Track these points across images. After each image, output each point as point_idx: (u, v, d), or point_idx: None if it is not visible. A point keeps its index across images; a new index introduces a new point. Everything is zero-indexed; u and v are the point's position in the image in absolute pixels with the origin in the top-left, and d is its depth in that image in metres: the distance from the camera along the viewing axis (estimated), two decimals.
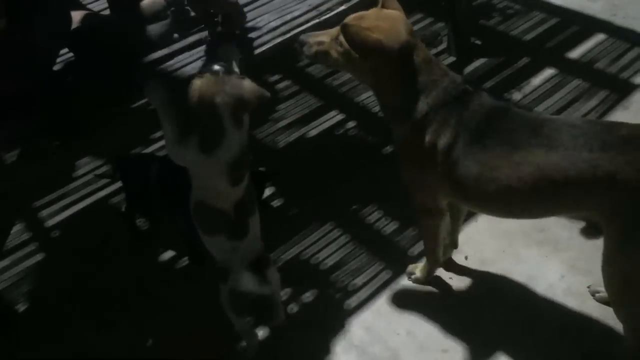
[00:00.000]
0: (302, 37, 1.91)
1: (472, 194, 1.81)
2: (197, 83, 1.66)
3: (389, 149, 2.83)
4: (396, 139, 1.92)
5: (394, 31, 1.75)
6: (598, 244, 1.80)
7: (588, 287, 2.19)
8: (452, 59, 3.34)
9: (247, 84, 1.71)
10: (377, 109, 2.95)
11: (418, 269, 2.27)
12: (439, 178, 1.83)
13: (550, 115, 1.80)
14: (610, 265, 1.72)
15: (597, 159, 1.57)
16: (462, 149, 1.74)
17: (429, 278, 2.27)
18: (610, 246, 1.69)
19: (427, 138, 1.77)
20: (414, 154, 1.85)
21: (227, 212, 1.78)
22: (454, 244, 2.32)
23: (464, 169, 1.75)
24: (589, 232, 2.36)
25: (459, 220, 2.25)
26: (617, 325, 1.92)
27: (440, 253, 2.20)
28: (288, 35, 2.32)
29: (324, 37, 1.86)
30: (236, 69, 1.89)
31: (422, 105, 1.77)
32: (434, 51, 3.40)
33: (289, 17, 2.43)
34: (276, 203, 2.68)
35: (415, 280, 2.28)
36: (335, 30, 1.83)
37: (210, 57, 1.88)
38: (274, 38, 2.34)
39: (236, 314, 1.95)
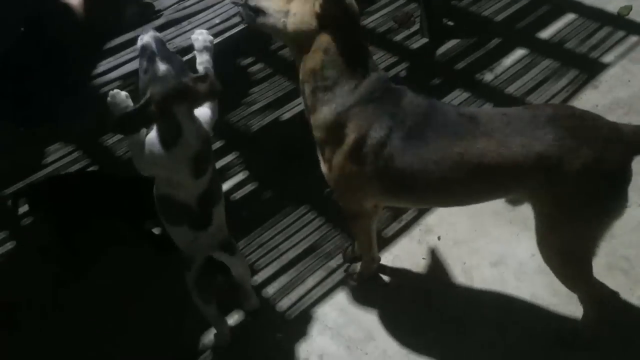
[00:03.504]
0: None
1: (410, 189, 1.77)
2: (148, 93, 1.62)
3: None
4: (318, 132, 1.81)
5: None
6: None
7: None
8: (424, 40, 3.34)
9: (199, 86, 1.66)
10: None
11: (357, 269, 2.27)
12: (368, 178, 1.77)
13: (475, 108, 1.80)
14: (545, 244, 1.78)
15: (529, 142, 1.60)
16: (399, 145, 1.69)
17: (370, 274, 2.27)
18: (542, 225, 1.74)
19: (352, 134, 1.71)
20: (339, 151, 1.77)
21: (190, 204, 1.78)
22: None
23: (403, 166, 1.70)
24: None
25: None
26: None
27: (376, 249, 2.20)
28: None
29: None
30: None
31: (351, 95, 1.70)
32: (406, 32, 3.40)
33: None
34: (250, 187, 2.68)
35: (358, 279, 2.27)
36: None
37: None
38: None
39: (203, 302, 1.94)
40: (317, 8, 1.66)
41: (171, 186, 1.77)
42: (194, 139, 1.69)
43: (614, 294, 1.91)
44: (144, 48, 1.65)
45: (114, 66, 2.19)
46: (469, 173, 1.67)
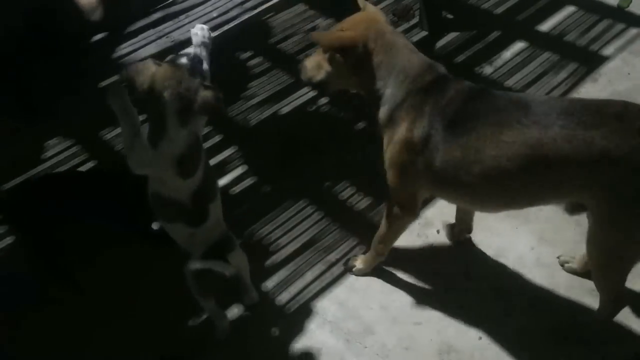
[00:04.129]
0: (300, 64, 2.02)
1: (454, 181, 1.77)
2: (153, 68, 1.62)
3: (360, 125, 2.84)
4: (379, 130, 1.91)
5: (364, 24, 1.84)
6: (566, 216, 1.84)
7: (557, 257, 2.23)
8: (424, 33, 3.33)
9: (205, 93, 1.64)
10: None
11: (359, 261, 2.27)
12: (419, 169, 1.81)
13: (532, 95, 1.80)
14: (596, 242, 1.74)
15: (592, 136, 1.56)
16: (441, 135, 1.72)
17: (371, 268, 2.26)
18: (599, 222, 1.69)
19: (404, 126, 1.78)
20: (394, 146, 1.84)
21: (184, 201, 1.78)
22: (468, 229, 2.32)
23: (445, 155, 1.73)
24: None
25: None
26: (585, 294, 1.97)
27: (390, 247, 2.20)
28: (255, 12, 2.29)
29: (314, 56, 1.97)
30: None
31: (400, 91, 1.80)
32: (405, 25, 3.39)
33: None
34: (249, 181, 2.67)
35: (358, 272, 2.27)
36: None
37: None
38: (240, 14, 2.31)
39: (202, 297, 1.95)
40: (344, 62, 1.85)
41: (162, 184, 1.77)
42: (178, 141, 1.68)
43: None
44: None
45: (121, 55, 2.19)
46: (521, 165, 1.64)
